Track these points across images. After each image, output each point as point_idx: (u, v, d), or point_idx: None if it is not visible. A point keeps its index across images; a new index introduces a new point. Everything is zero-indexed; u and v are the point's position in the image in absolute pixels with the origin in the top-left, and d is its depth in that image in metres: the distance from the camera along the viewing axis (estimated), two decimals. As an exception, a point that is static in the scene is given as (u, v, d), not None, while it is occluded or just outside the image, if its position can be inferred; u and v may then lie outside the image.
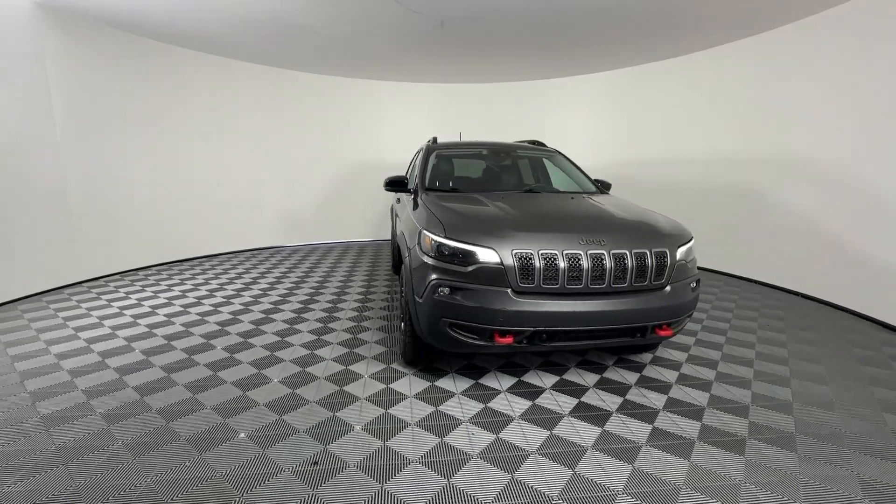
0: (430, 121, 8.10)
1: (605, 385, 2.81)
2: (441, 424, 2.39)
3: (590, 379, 2.89)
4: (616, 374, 2.94)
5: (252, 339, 3.53)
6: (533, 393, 2.72)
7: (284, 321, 3.94)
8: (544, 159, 4.21)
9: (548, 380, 2.89)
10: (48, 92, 4.66)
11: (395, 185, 3.59)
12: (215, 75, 6.45)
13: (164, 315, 4.08)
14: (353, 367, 3.04)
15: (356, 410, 2.52)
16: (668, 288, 2.53)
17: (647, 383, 2.82)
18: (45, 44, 4.62)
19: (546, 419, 2.43)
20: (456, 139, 5.18)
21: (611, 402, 2.61)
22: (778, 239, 5.02)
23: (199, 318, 4.03)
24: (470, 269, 2.42)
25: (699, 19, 4.62)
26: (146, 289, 4.94)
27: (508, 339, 2.42)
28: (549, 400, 2.63)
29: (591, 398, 2.64)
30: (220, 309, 4.26)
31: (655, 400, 2.62)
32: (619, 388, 2.76)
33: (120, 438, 2.26)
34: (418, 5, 4.25)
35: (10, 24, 4.30)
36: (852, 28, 4.15)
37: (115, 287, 4.96)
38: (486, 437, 2.27)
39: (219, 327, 3.79)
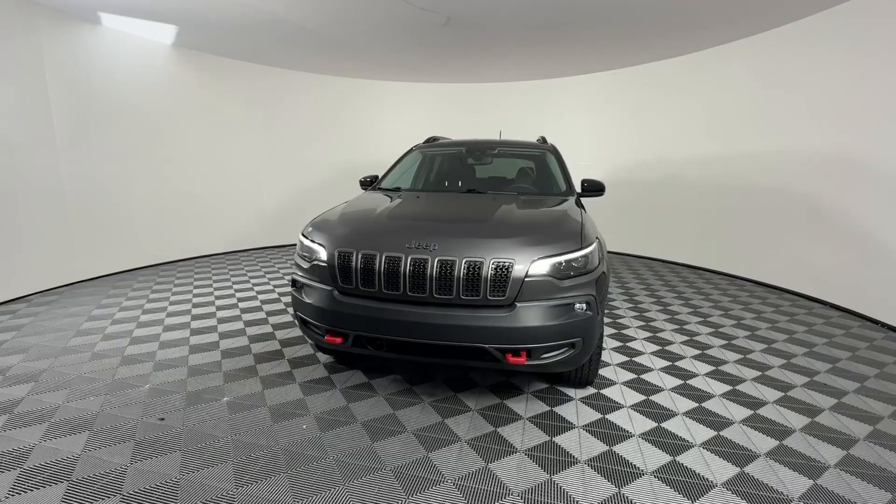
0: (435, 120, 7.99)
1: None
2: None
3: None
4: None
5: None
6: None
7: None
8: (534, 158, 3.92)
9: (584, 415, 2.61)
10: (46, 92, 4.63)
11: (364, 184, 3.69)
12: (215, 75, 6.46)
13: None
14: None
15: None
16: (515, 306, 2.15)
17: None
18: (43, 44, 4.59)
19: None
20: (470, 138, 4.91)
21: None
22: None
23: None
24: (308, 265, 2.49)
25: (705, 17, 4.67)
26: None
27: (338, 340, 2.34)
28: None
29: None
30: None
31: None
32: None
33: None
34: (425, 2, 4.16)
35: (9, 24, 4.29)
36: (853, 27, 4.29)
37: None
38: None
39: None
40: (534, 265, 2.13)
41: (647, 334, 3.77)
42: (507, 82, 7.93)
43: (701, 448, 2.23)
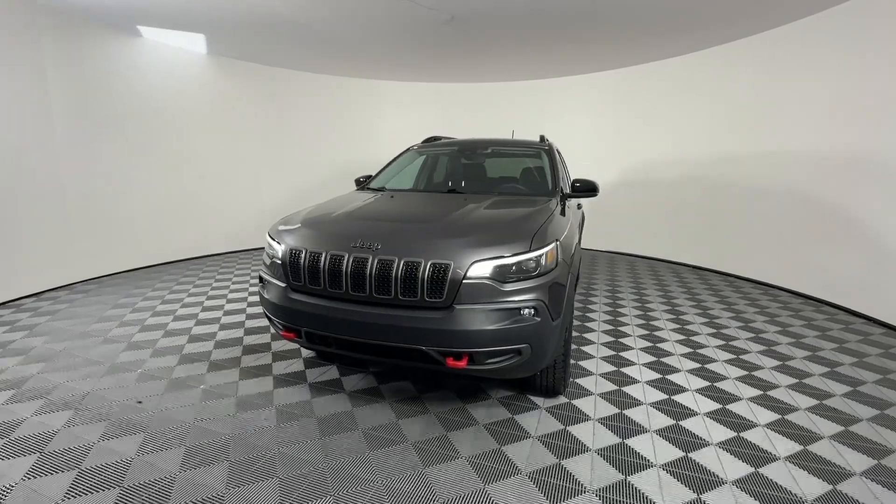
0: (438, 120, 7.95)
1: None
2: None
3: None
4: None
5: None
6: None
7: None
8: (527, 157, 3.83)
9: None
10: (47, 92, 4.60)
11: (358, 183, 3.77)
12: (215, 75, 6.44)
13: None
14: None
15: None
16: (453, 309, 2.07)
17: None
18: (43, 43, 4.56)
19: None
20: (472, 137, 4.87)
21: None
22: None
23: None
24: (269, 262, 2.57)
25: (712, 16, 4.64)
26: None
27: (292, 335, 2.42)
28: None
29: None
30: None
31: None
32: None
33: None
34: (430, 1, 4.15)
35: (9, 24, 4.27)
36: (854, 26, 4.30)
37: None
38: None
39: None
40: (473, 267, 2.06)
41: (647, 343, 3.55)
42: (510, 81, 7.87)
43: (660, 469, 2.07)
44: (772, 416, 2.54)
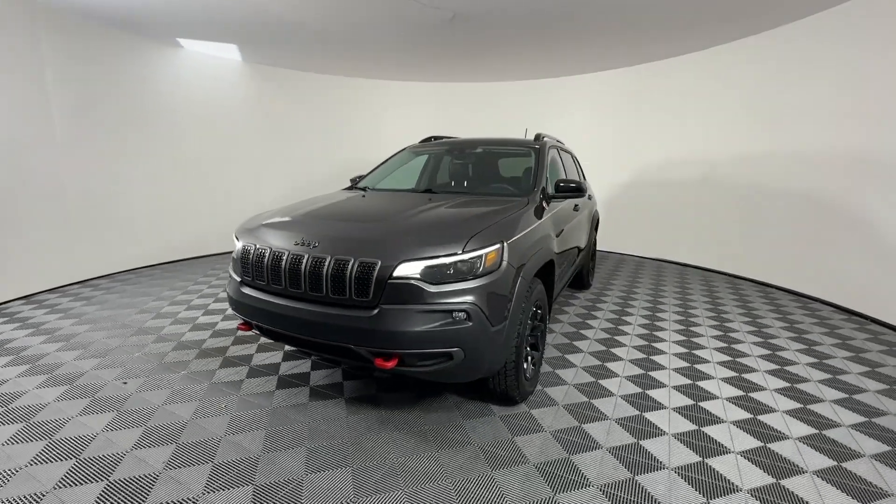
0: (441, 120, 7.91)
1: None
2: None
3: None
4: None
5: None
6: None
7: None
8: (516, 156, 3.73)
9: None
10: (46, 92, 4.62)
11: (353, 182, 3.85)
12: (215, 75, 6.45)
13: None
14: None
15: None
16: (379, 308, 2.04)
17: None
18: (43, 43, 4.56)
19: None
20: (474, 136, 4.86)
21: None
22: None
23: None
24: (233, 258, 2.65)
25: (713, 14, 4.60)
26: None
27: (246, 328, 2.54)
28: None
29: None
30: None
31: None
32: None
33: None
34: (432, -1, 4.13)
35: (8, 24, 4.28)
36: (859, 25, 4.25)
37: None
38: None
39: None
40: (400, 267, 2.03)
41: (640, 355, 3.32)
42: (513, 81, 7.80)
43: (599, 490, 1.93)
44: (808, 430, 2.34)
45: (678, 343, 3.59)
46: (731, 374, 3.06)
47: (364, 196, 3.09)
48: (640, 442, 2.27)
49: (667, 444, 2.26)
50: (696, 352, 3.42)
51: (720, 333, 3.81)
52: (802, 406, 2.66)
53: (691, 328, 3.92)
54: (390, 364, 2.03)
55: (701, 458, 2.15)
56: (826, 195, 4.70)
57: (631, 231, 7.31)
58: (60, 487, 1.89)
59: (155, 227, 6.03)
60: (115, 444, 2.19)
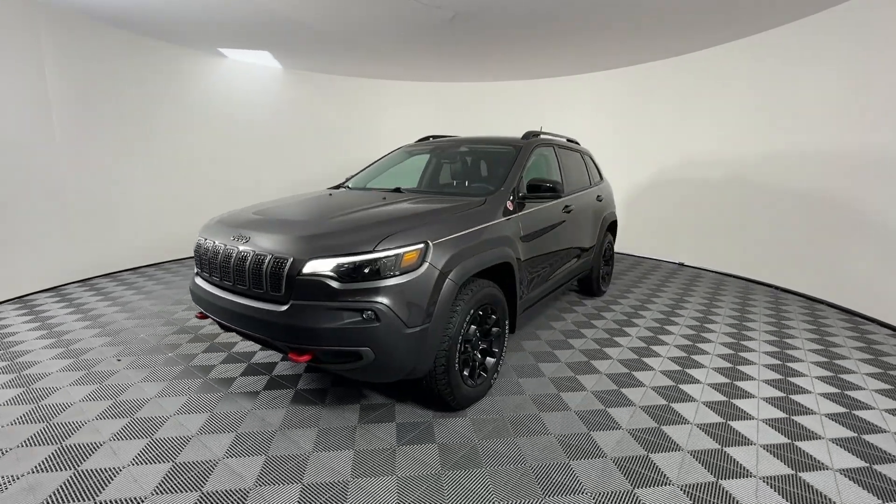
0: (444, 120, 7.81)
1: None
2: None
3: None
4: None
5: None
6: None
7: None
8: (500, 154, 3.54)
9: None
10: (46, 91, 4.60)
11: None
12: (215, 74, 6.44)
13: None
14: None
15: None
16: (290, 303, 2.08)
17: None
18: (42, 42, 4.56)
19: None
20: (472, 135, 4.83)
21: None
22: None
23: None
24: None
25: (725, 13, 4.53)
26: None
27: (203, 316, 2.65)
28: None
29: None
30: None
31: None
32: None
33: None
34: (433, -1, 4.12)
35: (8, 23, 4.28)
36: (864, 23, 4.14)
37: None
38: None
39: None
40: (310, 264, 2.05)
41: (622, 369, 3.06)
42: (517, 80, 7.70)
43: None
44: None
45: (682, 361, 3.27)
46: (778, 393, 2.73)
47: (331, 195, 3.17)
48: (651, 454, 2.11)
49: (678, 462, 2.08)
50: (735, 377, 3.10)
51: (776, 350, 3.41)
52: None
53: (699, 343, 3.55)
54: (303, 359, 2.07)
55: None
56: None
57: (644, 233, 6.96)
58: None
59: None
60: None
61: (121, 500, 1.83)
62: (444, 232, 2.27)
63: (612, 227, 4.98)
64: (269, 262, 2.14)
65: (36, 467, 2.02)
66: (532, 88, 7.72)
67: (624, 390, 2.80)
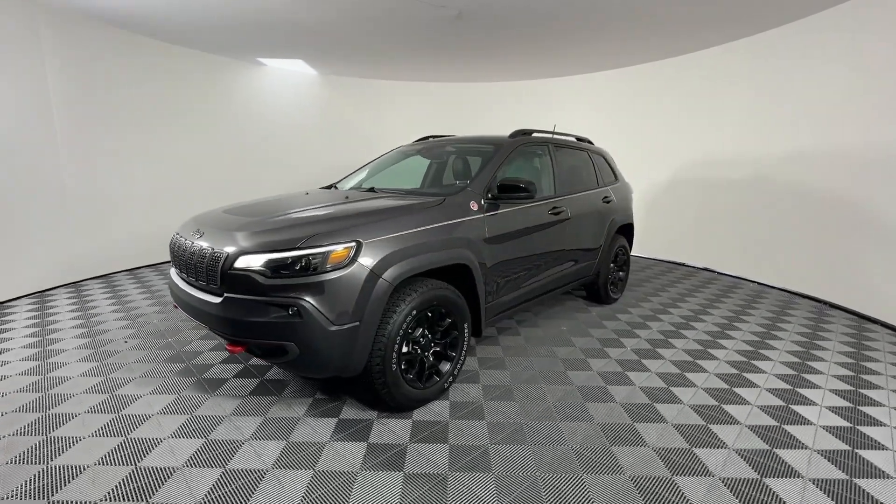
0: (447, 120, 7.70)
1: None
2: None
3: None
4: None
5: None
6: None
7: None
8: (481, 154, 3.43)
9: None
10: (47, 91, 4.60)
11: None
12: (216, 74, 6.41)
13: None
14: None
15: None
16: (224, 296, 2.20)
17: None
18: (43, 42, 4.56)
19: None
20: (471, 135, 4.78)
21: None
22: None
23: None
24: None
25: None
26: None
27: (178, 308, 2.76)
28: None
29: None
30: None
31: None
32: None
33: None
34: (437, -1, 4.12)
35: (9, 23, 4.29)
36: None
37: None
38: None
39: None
40: (240, 259, 2.13)
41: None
42: (519, 80, 7.66)
43: (398, 511, 1.78)
44: None
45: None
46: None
47: (307, 194, 3.27)
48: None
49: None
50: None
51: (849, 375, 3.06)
52: None
53: (701, 360, 3.22)
54: (238, 350, 2.18)
55: None
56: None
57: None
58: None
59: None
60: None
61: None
62: (380, 231, 2.27)
63: (625, 231, 4.67)
64: (210, 255, 2.26)
65: None
66: (526, 89, 7.74)
67: (590, 405, 2.62)
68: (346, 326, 2.12)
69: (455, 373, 2.69)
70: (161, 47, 5.70)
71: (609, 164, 4.64)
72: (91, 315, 4.04)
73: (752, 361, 3.24)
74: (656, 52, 5.95)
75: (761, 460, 2.15)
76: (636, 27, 4.90)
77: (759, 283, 5.40)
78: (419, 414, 2.50)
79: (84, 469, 2.01)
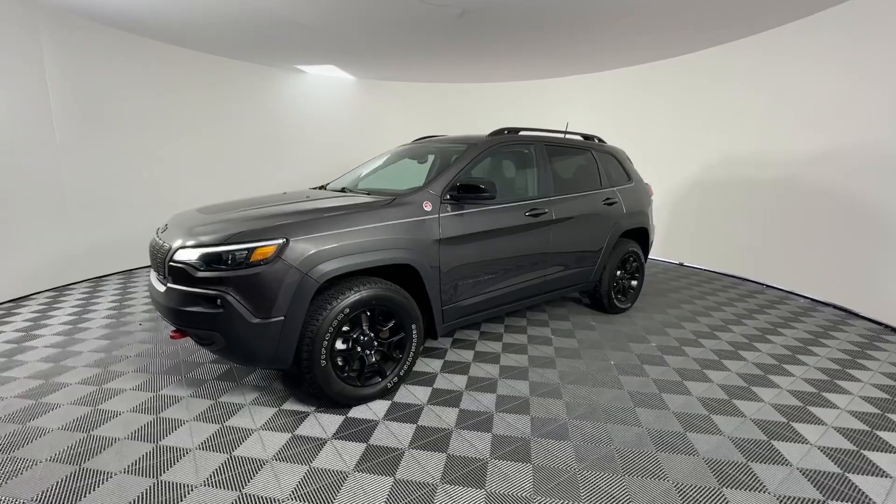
0: (448, 120, 7.58)
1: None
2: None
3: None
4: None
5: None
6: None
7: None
8: (458, 154, 3.32)
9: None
10: (46, 92, 4.60)
11: None
12: (216, 75, 6.33)
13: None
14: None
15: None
16: (165, 287, 2.37)
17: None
18: (42, 43, 4.54)
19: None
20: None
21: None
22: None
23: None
24: None
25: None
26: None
27: None
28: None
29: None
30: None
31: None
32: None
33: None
34: (439, -2, 4.13)
35: (8, 23, 4.27)
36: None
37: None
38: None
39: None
40: (178, 252, 2.27)
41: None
42: (522, 80, 7.59)
43: None
44: None
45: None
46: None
47: (285, 194, 3.40)
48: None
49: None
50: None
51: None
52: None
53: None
54: (178, 336, 2.35)
55: None
56: None
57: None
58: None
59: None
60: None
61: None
62: (311, 230, 2.31)
63: (637, 236, 4.31)
64: (160, 248, 2.47)
65: None
66: (529, 89, 7.61)
67: (541, 400, 2.46)
68: (270, 320, 2.19)
69: (401, 373, 2.66)
70: (161, 47, 5.67)
71: (621, 165, 4.32)
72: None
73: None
74: (661, 52, 5.74)
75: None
76: (638, 27, 4.76)
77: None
78: (356, 412, 2.51)
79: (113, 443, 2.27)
